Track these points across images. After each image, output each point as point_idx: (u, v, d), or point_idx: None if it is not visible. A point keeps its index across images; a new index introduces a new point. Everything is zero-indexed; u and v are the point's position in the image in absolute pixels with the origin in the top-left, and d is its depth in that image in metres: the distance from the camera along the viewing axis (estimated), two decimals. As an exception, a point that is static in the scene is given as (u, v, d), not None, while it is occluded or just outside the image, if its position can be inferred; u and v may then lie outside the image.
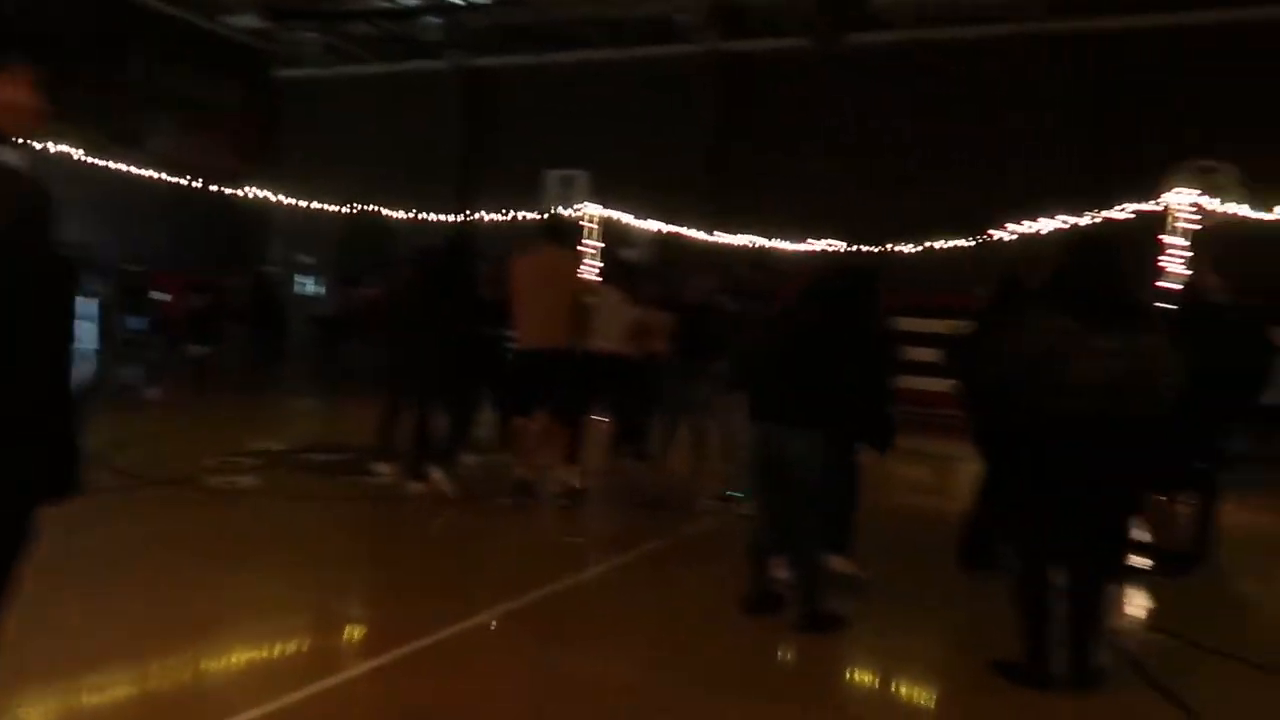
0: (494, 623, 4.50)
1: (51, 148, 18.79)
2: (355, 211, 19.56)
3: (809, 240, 15.68)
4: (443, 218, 17.63)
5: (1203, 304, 6.51)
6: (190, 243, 23.72)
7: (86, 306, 19.58)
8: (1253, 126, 14.90)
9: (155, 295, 21.39)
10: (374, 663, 3.91)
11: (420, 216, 17.78)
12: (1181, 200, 10.24)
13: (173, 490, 6.72)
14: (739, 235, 15.51)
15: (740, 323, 7.49)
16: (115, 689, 3.50)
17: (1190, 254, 9.65)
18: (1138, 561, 5.84)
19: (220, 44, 23.91)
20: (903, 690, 4.46)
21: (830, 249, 14.92)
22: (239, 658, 3.96)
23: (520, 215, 15.59)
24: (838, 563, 5.43)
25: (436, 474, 7.27)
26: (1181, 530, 6.56)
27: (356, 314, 22.10)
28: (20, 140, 2.24)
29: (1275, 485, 10.69)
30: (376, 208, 18.86)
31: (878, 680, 4.52)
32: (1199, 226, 10.24)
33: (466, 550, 6.02)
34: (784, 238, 16.07)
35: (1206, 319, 6.04)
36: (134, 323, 20.94)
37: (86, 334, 19.26)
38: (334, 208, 19.20)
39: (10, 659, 2.65)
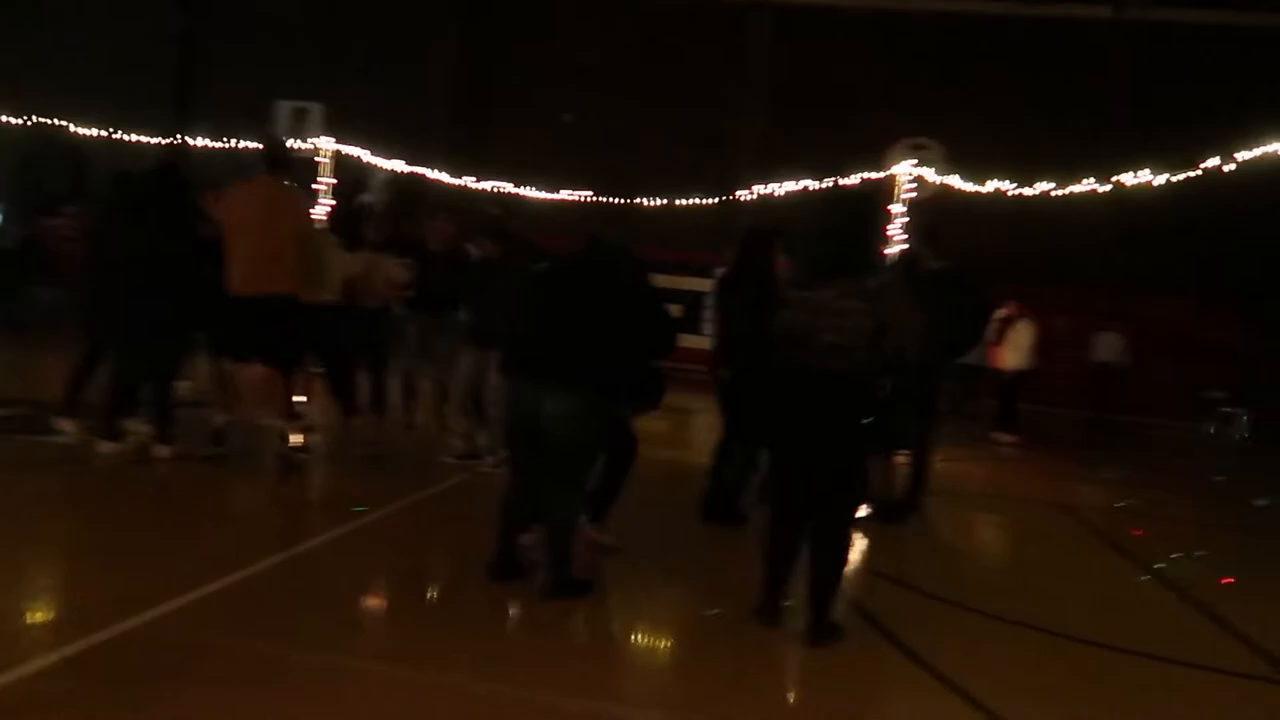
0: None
1: None
2: (41, 127, 17.01)
3: (561, 189, 15.42)
4: (150, 139, 15.70)
5: (918, 269, 6.89)
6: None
7: None
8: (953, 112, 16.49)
9: None
10: (34, 664, 3.25)
11: (122, 137, 15.73)
12: (903, 171, 10.88)
13: None
14: (486, 180, 14.93)
15: (485, 272, 7.08)
16: None
17: (910, 222, 10.29)
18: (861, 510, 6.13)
19: None
20: (643, 649, 4.37)
21: (585, 199, 14.72)
22: None
23: (242, 143, 14.15)
24: (593, 532, 5.24)
25: (142, 430, 6.39)
26: (898, 481, 6.96)
27: (44, 247, 19.43)
28: None
29: (976, 440, 11.79)
30: (69, 124, 16.51)
31: (619, 643, 4.39)
32: (917, 196, 10.94)
33: (166, 519, 5.27)
34: (533, 185, 15.70)
35: (922, 282, 6.37)
36: None
37: None
38: (16, 121, 16.60)
39: None
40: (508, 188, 14.88)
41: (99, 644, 3.46)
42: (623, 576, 5.05)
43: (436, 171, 15.39)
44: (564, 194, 15.36)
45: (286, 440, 6.45)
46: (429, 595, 4.73)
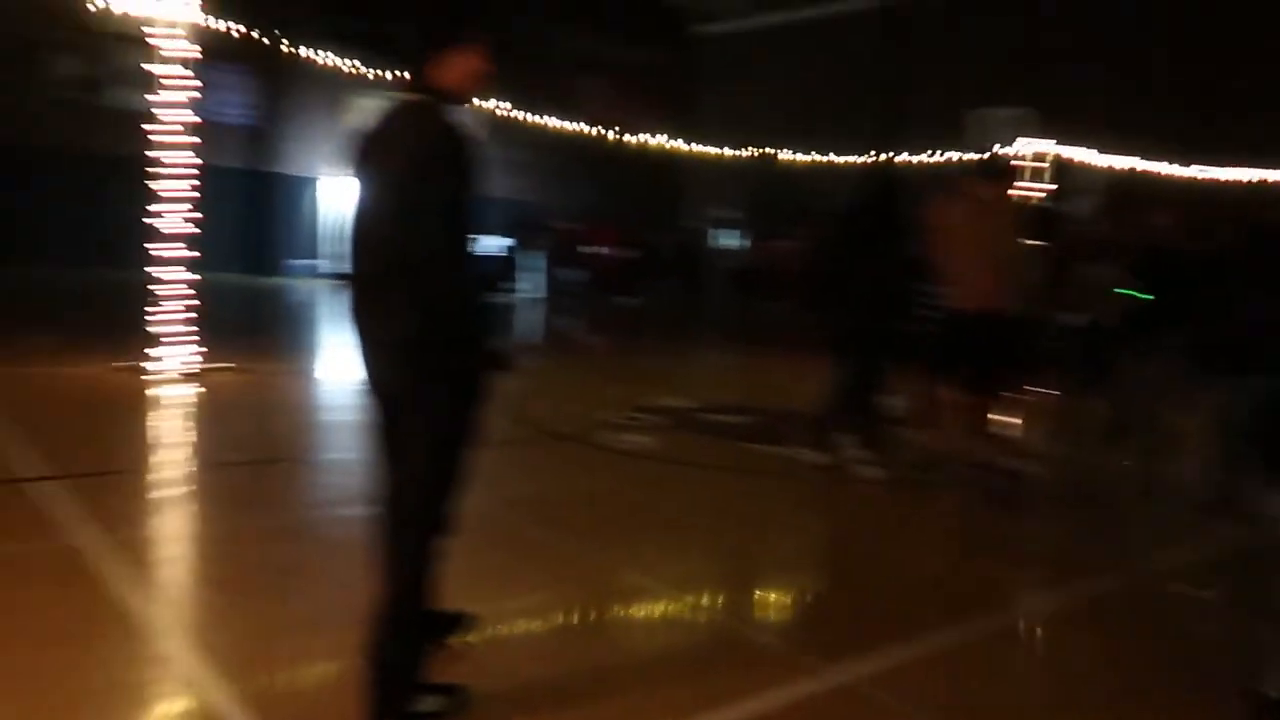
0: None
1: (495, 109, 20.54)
2: (767, 161, 19.09)
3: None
4: (859, 159, 16.53)
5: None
6: (617, 200, 24.98)
7: (534, 259, 21.41)
8: None
9: (589, 250, 22.73)
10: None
11: (837, 162, 16.82)
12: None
13: (565, 446, 6.57)
14: (1227, 169, 12.60)
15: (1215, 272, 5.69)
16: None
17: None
18: None
19: (642, 6, 24.60)
20: None
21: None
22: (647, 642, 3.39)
23: (948, 156, 14.03)
24: None
25: (851, 448, 6.38)
26: None
27: (771, 268, 21.91)
28: (469, 103, 2.60)
29: None
30: (791, 154, 18.23)
31: None
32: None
33: (861, 546, 5.03)
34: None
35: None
36: (569, 275, 22.41)
37: (535, 283, 21.09)
38: (746, 154, 18.88)
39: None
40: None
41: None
42: None
43: (1161, 164, 13.48)
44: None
45: (1001, 471, 5.88)
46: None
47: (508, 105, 17.93)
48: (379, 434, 2.57)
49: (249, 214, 19.96)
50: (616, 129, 19.66)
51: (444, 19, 2.52)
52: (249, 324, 13.93)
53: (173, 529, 4.35)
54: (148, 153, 7.62)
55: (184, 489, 4.92)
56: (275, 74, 19.19)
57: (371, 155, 2.51)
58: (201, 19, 7.94)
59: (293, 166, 20.23)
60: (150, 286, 7.79)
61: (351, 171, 2.55)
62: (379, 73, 15.85)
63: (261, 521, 4.45)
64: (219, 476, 5.27)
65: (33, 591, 3.36)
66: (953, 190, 6.01)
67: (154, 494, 4.79)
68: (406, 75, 2.55)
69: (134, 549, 3.90)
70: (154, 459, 5.63)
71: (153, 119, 7.62)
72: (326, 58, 13.68)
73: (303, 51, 13.50)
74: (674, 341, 15.60)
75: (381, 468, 2.56)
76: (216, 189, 18.95)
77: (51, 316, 12.32)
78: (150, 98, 7.61)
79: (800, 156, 17.71)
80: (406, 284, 2.36)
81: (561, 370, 10.94)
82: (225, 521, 4.45)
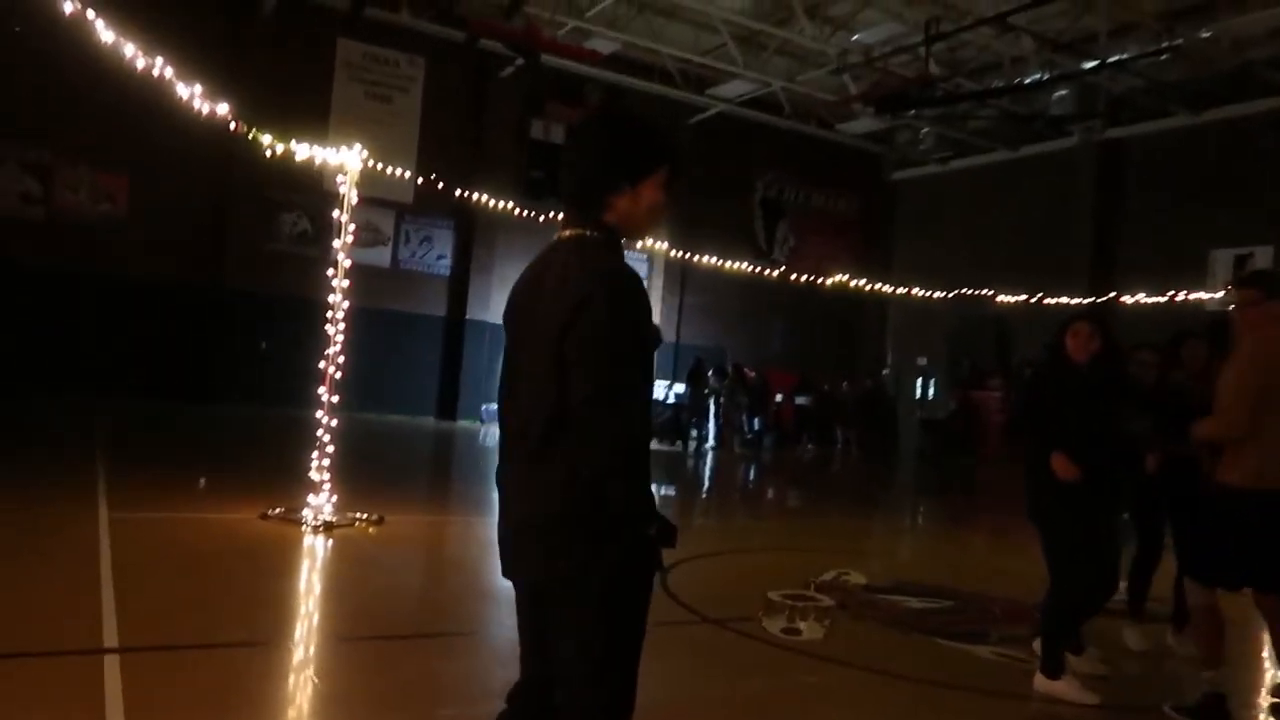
0: None
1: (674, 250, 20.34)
2: (969, 301, 17.72)
3: None
4: (1071, 300, 14.95)
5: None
6: (803, 345, 24.03)
7: (709, 406, 20.61)
8: None
9: (767, 397, 21.81)
10: None
11: (1044, 301, 15.30)
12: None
13: (712, 632, 5.45)
14: None
15: None
16: None
17: None
18: None
19: (837, 152, 24.22)
20: None
21: None
22: None
23: (1185, 296, 12.35)
24: None
25: (1078, 657, 4.99)
26: None
27: (972, 419, 20.10)
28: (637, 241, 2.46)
29: None
30: (993, 294, 16.83)
31: None
32: None
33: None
34: None
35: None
36: (750, 422, 21.50)
37: (709, 433, 20.22)
38: (945, 296, 17.62)
39: None
40: None
41: None
42: None
43: None
44: None
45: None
46: None
47: (682, 250, 17.67)
48: (526, 636, 2.25)
49: (448, 360, 20.35)
50: (810, 274, 18.96)
51: (635, 148, 2.23)
52: (433, 470, 13.68)
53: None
54: (329, 297, 7.41)
55: (268, 669, 4.14)
56: (474, 223, 19.81)
57: (533, 297, 2.20)
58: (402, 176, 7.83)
59: (492, 314, 20.58)
60: (317, 431, 7.46)
61: (508, 317, 2.28)
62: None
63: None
64: (332, 653, 4.51)
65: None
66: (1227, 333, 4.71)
67: (218, 675, 4.02)
68: (574, 209, 2.25)
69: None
70: (252, 631, 4.75)
71: (335, 265, 7.42)
72: (524, 207, 13.84)
73: (499, 203, 13.75)
74: (861, 502, 14.14)
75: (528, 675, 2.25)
76: (418, 335, 19.81)
77: (243, 458, 12.35)
78: (337, 244, 7.45)
79: (1005, 298, 16.32)
80: (567, 447, 2.04)
81: (726, 532, 9.85)
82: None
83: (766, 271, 19.20)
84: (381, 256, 19.62)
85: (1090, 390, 4.71)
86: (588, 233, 2.18)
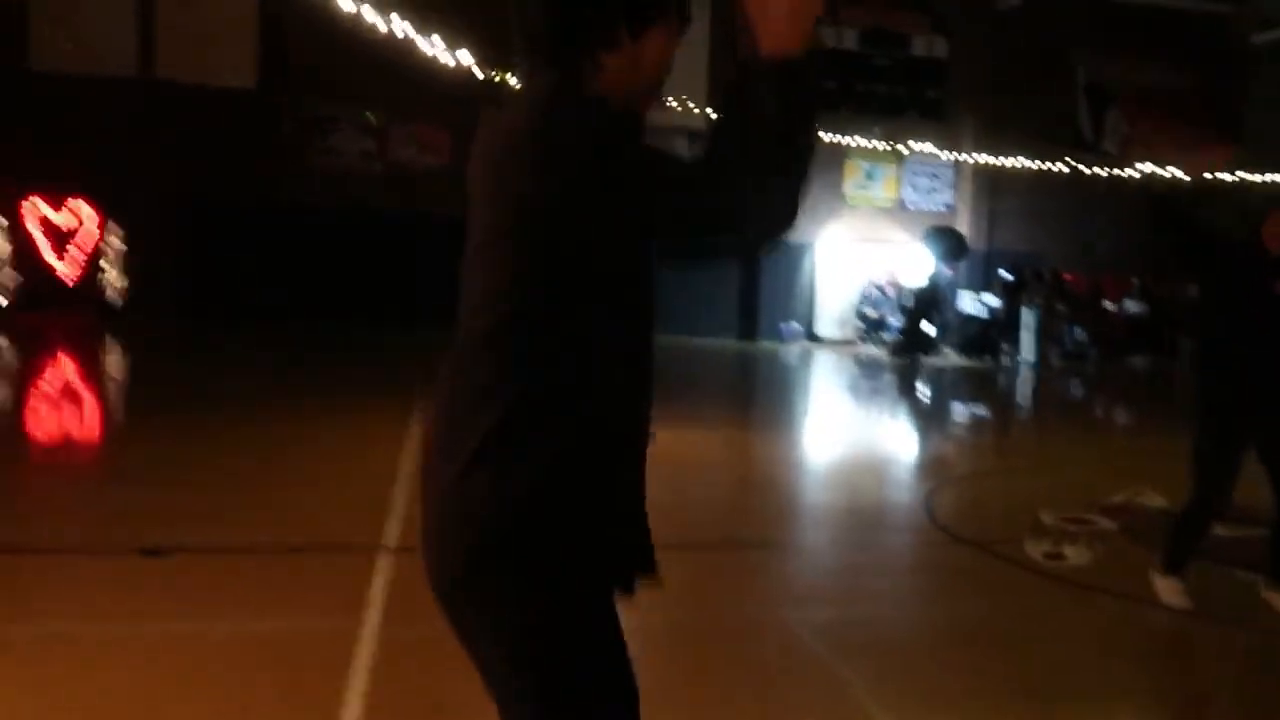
0: None
1: (994, 159, 18.89)
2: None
3: None
4: None
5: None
6: (1137, 247, 21.52)
7: (1025, 316, 19.19)
8: None
9: (1092, 304, 19.92)
10: None
11: None
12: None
13: (962, 552, 5.17)
14: None
15: None
16: None
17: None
18: None
19: (1175, 20, 21.12)
20: None
21: None
22: None
23: None
24: None
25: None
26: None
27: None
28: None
29: None
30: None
31: None
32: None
33: None
34: None
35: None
36: (1074, 333, 19.79)
37: (1025, 346, 18.86)
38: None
39: None
40: None
41: None
42: None
43: None
44: None
45: None
46: None
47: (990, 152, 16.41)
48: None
49: (746, 281, 20.60)
50: (1147, 164, 16.93)
51: None
52: (725, 388, 14.06)
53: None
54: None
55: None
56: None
57: (489, 167, 1.58)
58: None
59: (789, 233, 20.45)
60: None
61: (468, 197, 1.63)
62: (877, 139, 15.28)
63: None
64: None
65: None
66: None
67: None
68: (539, 69, 1.56)
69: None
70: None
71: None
72: (822, 126, 13.46)
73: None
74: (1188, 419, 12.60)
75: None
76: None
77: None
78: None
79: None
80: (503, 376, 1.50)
81: (1014, 450, 9.25)
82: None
83: (1095, 167, 17.39)
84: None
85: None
86: (560, 78, 1.52)
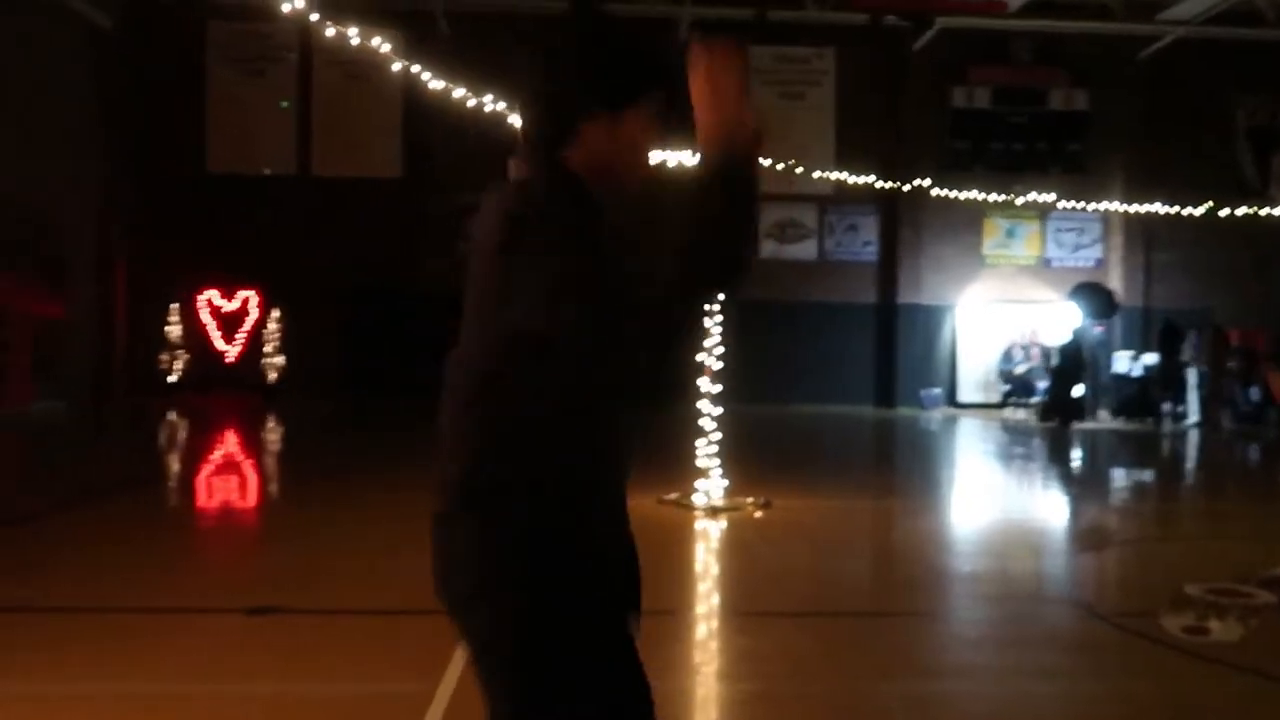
0: None
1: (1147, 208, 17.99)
2: None
3: None
4: None
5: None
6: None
7: (1190, 376, 17.97)
8: None
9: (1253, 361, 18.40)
10: None
11: None
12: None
13: (1099, 627, 4.77)
14: None
15: None
16: None
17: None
18: None
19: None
20: None
21: None
22: None
23: None
24: None
25: None
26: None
27: None
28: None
29: None
30: None
31: None
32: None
33: None
34: None
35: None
36: (1249, 394, 18.30)
37: (1191, 406, 17.64)
38: None
39: None
40: None
41: None
42: None
43: None
44: None
45: None
46: None
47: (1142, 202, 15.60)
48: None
49: (881, 346, 20.14)
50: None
51: (617, 62, 1.66)
52: (856, 456, 13.69)
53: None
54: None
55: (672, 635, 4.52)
56: (898, 204, 19.35)
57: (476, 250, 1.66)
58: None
59: (923, 296, 19.97)
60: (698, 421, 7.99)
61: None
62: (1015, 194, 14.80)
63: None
64: (740, 629, 4.81)
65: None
66: None
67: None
68: (529, 146, 1.67)
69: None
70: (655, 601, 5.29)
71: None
72: (956, 187, 13.27)
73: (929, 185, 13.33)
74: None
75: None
76: (849, 324, 19.77)
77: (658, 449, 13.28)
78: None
79: None
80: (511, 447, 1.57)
81: (1168, 517, 8.58)
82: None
83: (1264, 212, 16.30)
84: (808, 250, 19.93)
85: None
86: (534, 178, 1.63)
